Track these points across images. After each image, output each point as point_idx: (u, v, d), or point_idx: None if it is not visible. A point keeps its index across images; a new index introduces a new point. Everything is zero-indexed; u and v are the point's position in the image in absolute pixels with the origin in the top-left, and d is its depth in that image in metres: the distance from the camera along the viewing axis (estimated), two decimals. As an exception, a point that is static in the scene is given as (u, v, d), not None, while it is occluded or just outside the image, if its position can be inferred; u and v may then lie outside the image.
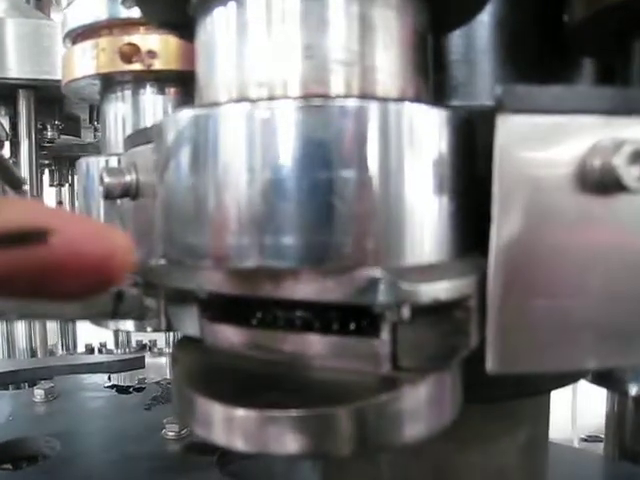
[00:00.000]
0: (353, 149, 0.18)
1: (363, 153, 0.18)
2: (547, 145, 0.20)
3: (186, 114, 0.19)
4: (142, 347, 1.80)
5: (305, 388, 0.20)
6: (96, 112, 0.54)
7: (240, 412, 0.19)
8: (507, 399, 0.34)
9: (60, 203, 1.84)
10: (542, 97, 0.20)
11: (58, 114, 0.90)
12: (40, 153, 1.00)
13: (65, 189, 1.80)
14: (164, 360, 1.64)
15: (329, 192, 0.17)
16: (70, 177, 1.71)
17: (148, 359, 1.67)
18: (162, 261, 0.22)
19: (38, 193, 1.03)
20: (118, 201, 0.37)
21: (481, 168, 0.22)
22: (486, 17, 0.32)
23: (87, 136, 1.12)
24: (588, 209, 0.21)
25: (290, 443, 0.19)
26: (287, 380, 0.21)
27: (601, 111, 0.20)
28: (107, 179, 0.29)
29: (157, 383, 0.91)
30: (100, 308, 0.23)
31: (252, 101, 0.18)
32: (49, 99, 0.83)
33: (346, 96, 0.19)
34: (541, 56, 0.32)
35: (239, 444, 0.19)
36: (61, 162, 1.63)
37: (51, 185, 1.77)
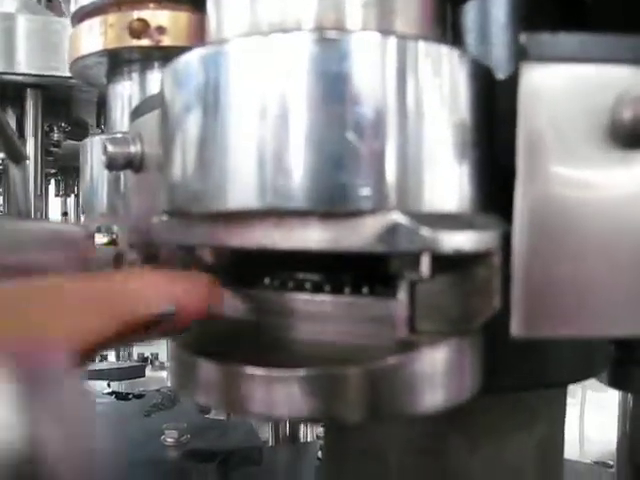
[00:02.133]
0: (370, 84, 0.17)
1: (380, 89, 0.17)
2: (574, 96, 0.19)
3: (193, 54, 0.18)
4: (144, 360, 1.78)
5: (315, 350, 0.19)
6: (103, 112, 0.53)
7: (244, 371, 0.18)
8: (521, 390, 0.32)
9: (65, 214, 1.84)
10: (568, 45, 0.19)
11: (65, 116, 0.90)
12: (46, 160, 1.00)
13: (71, 199, 1.80)
14: (165, 374, 1.62)
15: (344, 128, 0.16)
16: (76, 188, 1.71)
17: (149, 372, 1.65)
18: (164, 217, 0.21)
19: (44, 202, 1.03)
20: (122, 177, 0.36)
21: (502, 131, 0.21)
22: (503, -7, 0.31)
23: (94, 143, 1.12)
24: (619, 164, 0.19)
25: (298, 405, 0.17)
26: (296, 343, 0.20)
27: (631, 60, 0.19)
28: (110, 148, 0.28)
29: (157, 390, 0.89)
30: (99, 269, 0.21)
31: (264, 34, 0.17)
32: (56, 100, 0.83)
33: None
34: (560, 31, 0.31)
35: (242, 407, 0.18)
36: (67, 172, 1.63)
37: (57, 195, 1.77)
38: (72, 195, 1.76)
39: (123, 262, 0.22)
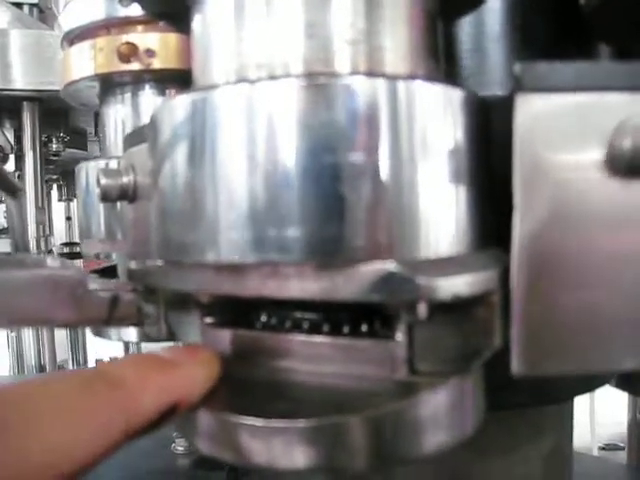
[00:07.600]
0: (361, 131, 0.16)
1: (372, 135, 0.16)
2: (571, 126, 0.19)
3: (181, 100, 0.18)
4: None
5: (314, 396, 0.19)
6: (99, 128, 0.53)
7: (244, 422, 0.17)
8: (529, 406, 0.32)
9: (69, 218, 1.84)
10: (565, 74, 0.19)
11: (63, 127, 0.89)
12: (47, 168, 0.99)
13: (74, 204, 1.80)
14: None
15: (336, 178, 0.16)
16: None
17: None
18: (159, 262, 0.21)
19: (46, 208, 1.03)
20: (118, 204, 0.36)
21: (498, 159, 0.20)
22: (496, 4, 0.30)
23: (94, 149, 1.12)
24: (618, 195, 0.19)
25: (299, 456, 0.17)
26: (294, 388, 0.20)
27: (629, 87, 0.19)
28: (104, 180, 0.27)
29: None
30: (94, 314, 0.21)
31: (251, 82, 0.17)
32: (54, 111, 0.83)
33: (352, 74, 0.17)
34: (555, 43, 0.31)
35: (243, 458, 0.18)
36: (69, 177, 1.63)
37: (60, 200, 1.77)
38: (75, 199, 1.76)
39: (119, 305, 0.22)
